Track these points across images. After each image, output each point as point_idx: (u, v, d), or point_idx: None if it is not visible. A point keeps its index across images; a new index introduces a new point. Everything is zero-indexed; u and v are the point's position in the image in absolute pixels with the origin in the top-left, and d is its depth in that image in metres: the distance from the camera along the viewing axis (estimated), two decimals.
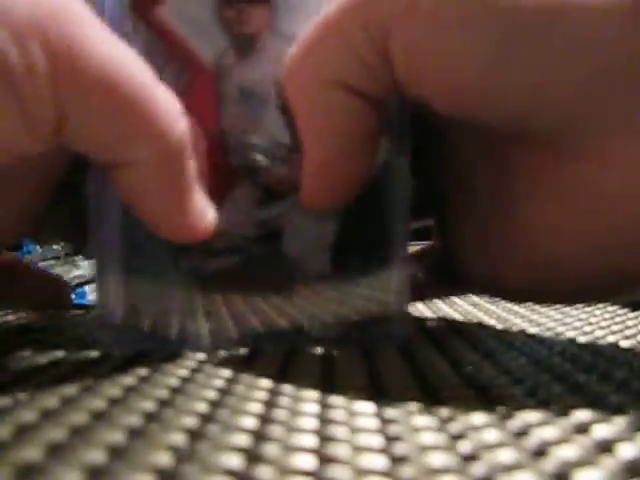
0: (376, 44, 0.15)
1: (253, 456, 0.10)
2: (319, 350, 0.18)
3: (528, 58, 0.14)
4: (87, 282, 1.21)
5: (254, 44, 0.17)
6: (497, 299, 0.28)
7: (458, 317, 0.24)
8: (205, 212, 0.16)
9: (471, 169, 0.18)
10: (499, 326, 0.22)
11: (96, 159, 0.15)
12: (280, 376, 0.15)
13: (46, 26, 0.13)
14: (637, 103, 0.13)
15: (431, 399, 0.13)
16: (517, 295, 0.20)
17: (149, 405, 0.12)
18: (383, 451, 0.10)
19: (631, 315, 0.25)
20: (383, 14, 0.14)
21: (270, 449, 0.10)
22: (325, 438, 0.11)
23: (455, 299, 0.30)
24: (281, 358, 0.17)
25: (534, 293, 0.19)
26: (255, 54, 0.17)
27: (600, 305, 0.28)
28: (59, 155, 0.17)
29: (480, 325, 0.22)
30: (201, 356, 0.17)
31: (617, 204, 0.15)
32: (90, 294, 1.14)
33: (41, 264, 1.22)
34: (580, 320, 0.24)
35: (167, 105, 0.14)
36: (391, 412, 0.12)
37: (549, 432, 0.11)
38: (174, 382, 0.14)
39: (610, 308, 0.27)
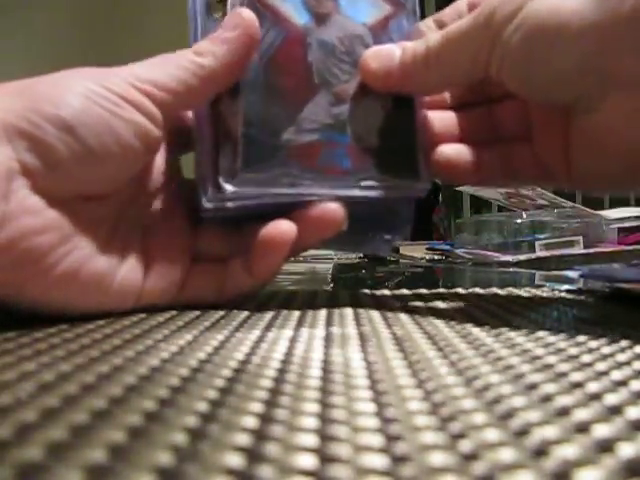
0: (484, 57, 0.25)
1: (254, 455, 0.10)
2: (320, 345, 0.18)
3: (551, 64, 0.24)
4: None
5: (326, 19, 0.28)
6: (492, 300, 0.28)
7: (458, 317, 0.24)
8: None
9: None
10: (498, 325, 0.22)
11: None
12: (280, 376, 0.15)
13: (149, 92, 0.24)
14: (607, 80, 0.23)
15: (431, 399, 0.13)
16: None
17: (150, 404, 0.12)
18: (384, 451, 0.10)
19: (631, 315, 0.25)
20: (488, 40, 0.25)
21: (271, 448, 0.10)
22: (326, 437, 0.11)
23: (455, 300, 0.30)
24: (281, 357, 0.17)
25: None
26: (326, 24, 0.28)
27: (600, 305, 0.28)
28: None
29: (480, 325, 0.22)
30: (202, 355, 0.17)
31: (610, 139, 0.24)
32: None
33: None
34: (578, 319, 0.24)
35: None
36: (391, 412, 0.12)
37: (549, 431, 0.11)
38: (175, 381, 0.14)
39: (610, 308, 0.27)
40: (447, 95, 0.31)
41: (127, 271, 0.25)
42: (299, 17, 0.28)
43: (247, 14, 0.25)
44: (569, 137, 0.26)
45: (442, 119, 0.30)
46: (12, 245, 0.20)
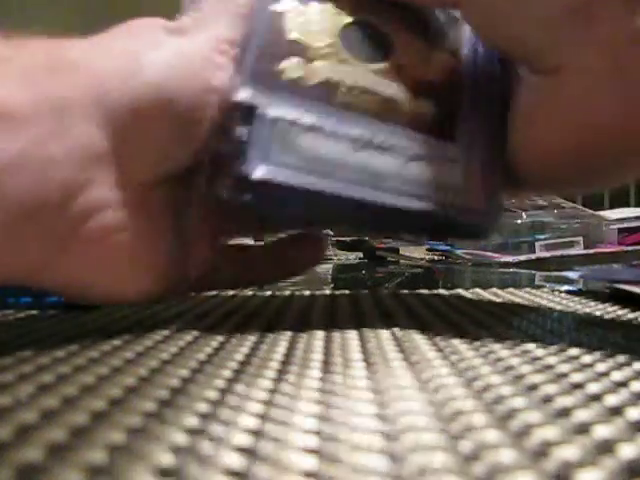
0: None
1: (253, 455, 0.10)
2: (320, 346, 0.18)
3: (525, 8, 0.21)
4: None
5: None
6: (495, 293, 0.28)
7: (458, 317, 0.24)
8: None
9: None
10: (498, 326, 0.22)
11: None
12: (280, 376, 0.15)
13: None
14: (579, 40, 0.20)
15: (431, 399, 0.13)
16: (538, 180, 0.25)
17: (150, 405, 0.12)
18: (383, 451, 0.10)
19: (631, 316, 0.25)
20: None
21: (270, 448, 0.10)
22: (325, 438, 0.11)
23: (455, 301, 0.30)
24: (281, 358, 0.17)
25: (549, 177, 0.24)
26: None
27: (600, 306, 0.28)
28: None
29: (479, 325, 0.22)
30: (202, 356, 0.17)
31: (571, 104, 0.21)
32: None
33: None
34: (578, 320, 0.24)
35: None
36: (391, 412, 0.12)
37: (550, 432, 0.11)
38: (175, 382, 0.14)
39: (610, 308, 0.27)
40: None
41: (171, 255, 0.22)
42: None
43: None
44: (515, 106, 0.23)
45: None
46: (91, 242, 0.19)
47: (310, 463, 0.10)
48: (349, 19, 0.23)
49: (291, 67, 0.22)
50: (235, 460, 0.10)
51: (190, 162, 0.21)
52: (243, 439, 0.11)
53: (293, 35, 0.22)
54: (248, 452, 0.10)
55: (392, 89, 0.23)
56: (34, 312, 0.26)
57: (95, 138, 0.19)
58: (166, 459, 0.10)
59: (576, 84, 0.21)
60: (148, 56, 0.20)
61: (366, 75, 0.23)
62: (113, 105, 0.19)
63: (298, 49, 0.22)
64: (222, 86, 0.20)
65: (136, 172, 0.20)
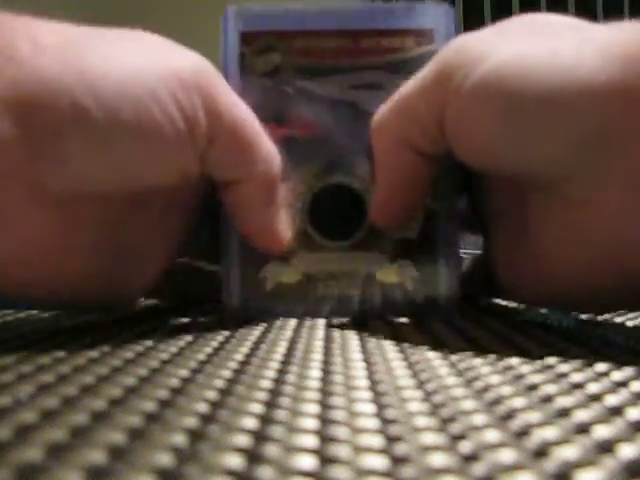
0: (434, 117, 0.20)
1: (254, 456, 0.10)
2: (322, 347, 0.18)
3: (531, 136, 0.18)
4: None
5: None
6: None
7: (457, 317, 0.24)
8: (286, 231, 0.23)
9: (504, 207, 0.23)
10: (498, 326, 0.22)
11: (219, 177, 0.22)
12: (280, 377, 0.15)
13: (207, 94, 0.20)
14: (608, 169, 0.18)
15: (431, 400, 0.13)
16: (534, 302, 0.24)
17: (149, 405, 0.12)
18: (384, 452, 0.10)
19: (631, 315, 0.25)
20: (439, 98, 0.20)
21: (271, 449, 0.10)
22: (326, 438, 0.11)
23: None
24: (281, 358, 0.17)
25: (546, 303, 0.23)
26: None
27: None
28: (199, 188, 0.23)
29: (479, 325, 0.22)
30: (202, 356, 0.17)
31: (598, 239, 0.19)
32: None
33: None
34: (579, 320, 0.24)
35: (269, 149, 0.22)
36: (391, 413, 0.12)
37: (550, 432, 0.11)
38: (175, 382, 0.14)
39: None
40: None
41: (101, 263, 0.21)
42: None
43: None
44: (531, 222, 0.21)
45: None
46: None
47: (310, 464, 0.10)
48: (315, 189, 0.24)
49: (273, 271, 0.24)
50: (235, 461, 0.10)
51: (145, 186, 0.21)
52: (243, 440, 0.11)
53: None
54: (248, 453, 0.10)
55: (368, 264, 0.24)
56: (34, 312, 0.26)
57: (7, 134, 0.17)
58: (165, 460, 0.10)
59: (597, 222, 0.18)
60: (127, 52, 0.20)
61: (343, 257, 0.24)
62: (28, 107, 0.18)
63: None
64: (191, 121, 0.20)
65: (53, 185, 0.19)
